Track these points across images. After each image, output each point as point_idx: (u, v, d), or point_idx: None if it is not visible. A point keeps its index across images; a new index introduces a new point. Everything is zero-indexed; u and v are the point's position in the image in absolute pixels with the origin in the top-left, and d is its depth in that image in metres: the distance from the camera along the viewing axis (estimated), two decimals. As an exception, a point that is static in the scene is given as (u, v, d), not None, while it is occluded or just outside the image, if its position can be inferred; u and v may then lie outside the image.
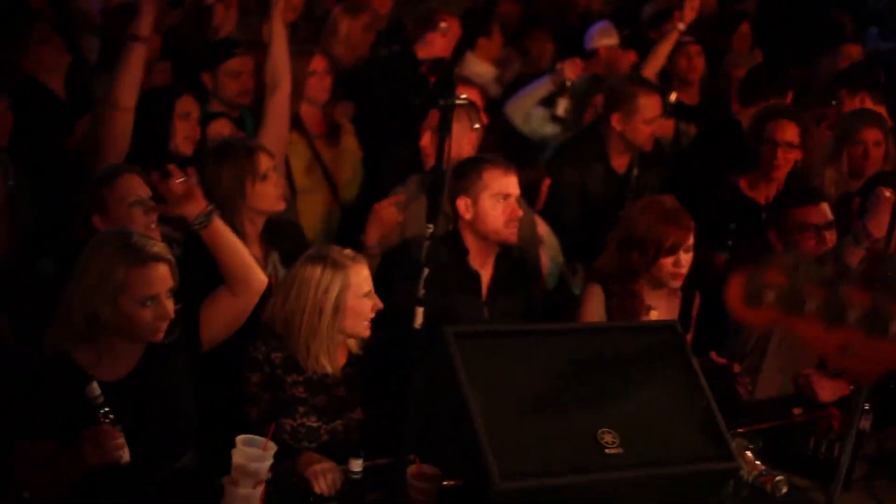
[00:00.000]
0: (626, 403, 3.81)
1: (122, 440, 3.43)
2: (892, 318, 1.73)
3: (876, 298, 1.72)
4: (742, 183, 6.18)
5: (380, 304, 4.17)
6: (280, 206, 4.91)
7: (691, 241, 4.77)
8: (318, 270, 4.10)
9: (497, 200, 4.73)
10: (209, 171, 4.76)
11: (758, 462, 4.11)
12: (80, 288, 3.61)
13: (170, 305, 3.67)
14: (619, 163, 6.44)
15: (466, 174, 4.74)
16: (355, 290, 4.10)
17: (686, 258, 4.76)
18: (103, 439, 3.41)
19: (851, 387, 4.69)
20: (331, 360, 4.17)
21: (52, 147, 5.54)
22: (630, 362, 3.93)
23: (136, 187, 4.36)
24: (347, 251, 4.21)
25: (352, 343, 4.26)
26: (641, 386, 3.88)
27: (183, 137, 5.32)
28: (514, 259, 4.98)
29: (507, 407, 3.69)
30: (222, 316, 4.04)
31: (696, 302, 4.95)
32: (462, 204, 4.70)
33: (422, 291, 3.39)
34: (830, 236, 5.07)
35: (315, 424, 4.13)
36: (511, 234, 4.80)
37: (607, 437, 3.71)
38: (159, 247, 3.68)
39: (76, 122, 5.69)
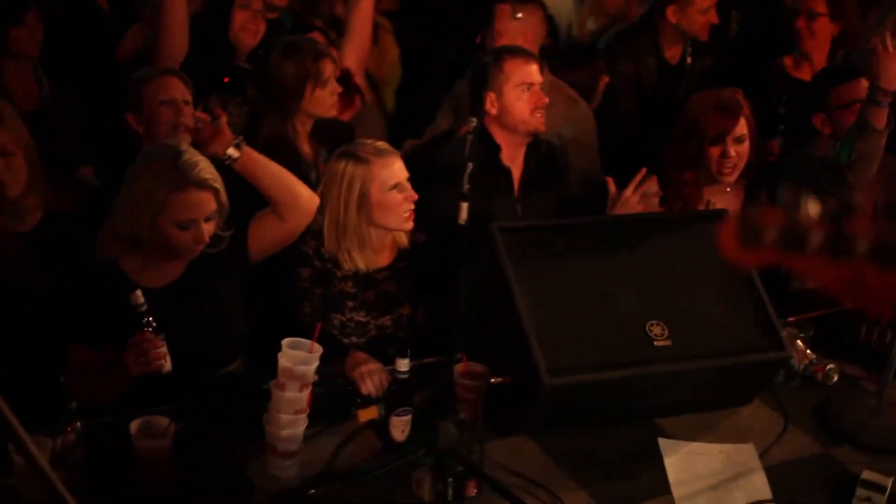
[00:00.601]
0: (675, 295, 3.76)
1: (163, 349, 3.43)
2: None
3: (884, 228, 1.61)
4: (787, 63, 6.07)
5: (414, 195, 4.13)
6: (332, 113, 4.98)
7: (741, 131, 4.70)
8: (342, 165, 4.08)
9: (521, 90, 4.70)
10: (273, 66, 4.85)
11: (809, 351, 4.07)
12: (126, 200, 3.60)
13: (207, 229, 3.65)
14: (672, 53, 6.35)
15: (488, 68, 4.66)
16: (380, 183, 4.06)
17: (736, 149, 4.69)
18: (145, 348, 3.41)
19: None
20: (365, 258, 4.14)
21: (98, 59, 5.50)
22: (679, 252, 3.87)
23: (171, 88, 4.41)
24: (378, 144, 4.17)
25: (401, 238, 4.24)
26: (690, 276, 3.82)
27: (241, 27, 5.31)
28: (544, 153, 4.94)
29: (554, 302, 3.65)
30: (270, 236, 4.00)
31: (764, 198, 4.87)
32: (487, 99, 4.62)
33: (466, 186, 3.33)
34: None
35: (364, 319, 4.14)
36: (539, 123, 4.75)
37: (656, 329, 3.66)
38: (206, 171, 3.63)
39: (123, 34, 5.65)
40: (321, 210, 4.09)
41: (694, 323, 3.72)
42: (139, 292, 3.47)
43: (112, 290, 3.59)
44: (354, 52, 5.71)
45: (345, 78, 5.49)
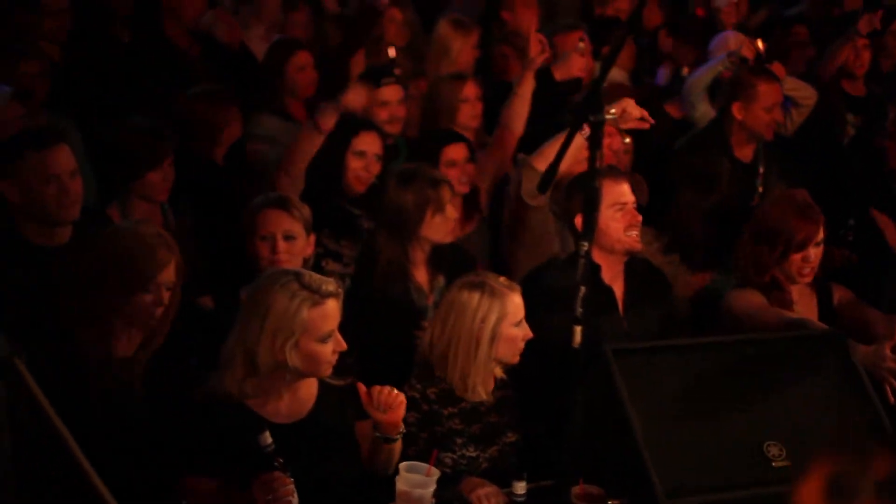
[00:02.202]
0: (791, 414, 3.74)
1: (292, 486, 3.44)
2: None
3: None
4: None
5: (530, 334, 4.16)
6: (450, 239, 4.98)
7: (821, 235, 4.72)
8: (475, 298, 4.11)
9: (615, 210, 4.69)
10: (392, 193, 4.89)
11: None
12: (263, 330, 3.60)
13: (341, 340, 3.70)
14: (744, 153, 6.34)
15: (579, 192, 4.69)
16: (511, 318, 4.10)
17: (815, 253, 4.71)
18: (275, 486, 3.43)
19: None
20: (486, 388, 4.18)
21: (210, 196, 5.66)
22: (791, 371, 3.85)
23: (271, 223, 4.49)
24: (503, 279, 4.22)
25: (498, 369, 4.26)
26: (805, 395, 3.80)
27: (355, 175, 5.37)
28: (643, 270, 4.94)
29: (668, 423, 3.66)
30: None
31: (837, 294, 4.87)
32: (580, 221, 4.63)
33: (579, 310, 3.35)
34: None
35: (474, 454, 4.14)
36: (634, 242, 4.75)
37: (773, 450, 3.64)
38: (331, 284, 3.69)
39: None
40: (443, 343, 4.14)
41: (811, 442, 3.68)
42: (268, 433, 3.48)
43: (238, 426, 3.59)
44: (491, 168, 5.82)
45: (472, 194, 5.58)
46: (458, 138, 5.68)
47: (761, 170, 6.22)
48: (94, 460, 2.03)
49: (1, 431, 2.04)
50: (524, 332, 4.14)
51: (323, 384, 3.80)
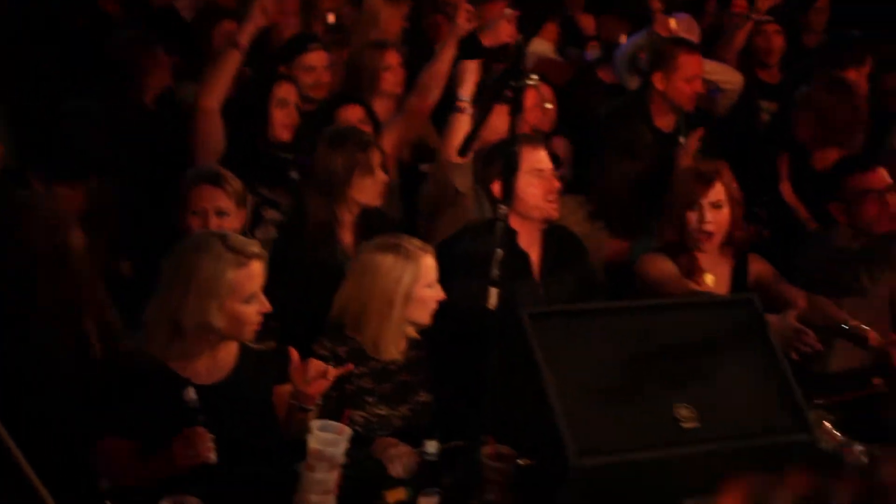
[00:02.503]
0: (702, 378, 3.78)
1: (212, 444, 3.46)
2: None
3: None
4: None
5: (442, 295, 4.21)
6: (378, 202, 5.01)
7: (717, 197, 4.81)
8: (389, 259, 4.13)
9: (533, 177, 4.74)
10: (321, 155, 4.92)
11: (837, 433, 4.07)
12: (189, 292, 3.60)
13: (265, 301, 3.70)
14: (664, 123, 6.42)
15: (497, 158, 4.72)
16: (424, 280, 4.14)
17: (713, 215, 4.79)
18: (197, 441, 3.45)
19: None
20: (397, 348, 4.21)
21: (138, 154, 5.63)
22: (705, 337, 3.90)
23: (204, 198, 4.50)
24: (417, 241, 4.24)
25: (410, 329, 4.29)
26: (717, 360, 3.85)
27: (280, 125, 5.42)
28: (560, 236, 5.01)
29: (582, 385, 3.67)
30: None
31: (754, 267, 4.93)
32: (498, 187, 4.66)
33: (496, 273, 3.37)
34: (893, 200, 5.02)
35: (385, 412, 4.17)
36: (552, 209, 4.81)
37: (683, 412, 3.68)
38: (255, 245, 3.71)
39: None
40: (357, 303, 4.15)
41: (721, 405, 3.74)
42: (192, 389, 3.50)
43: (160, 387, 3.61)
44: (392, 139, 5.84)
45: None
46: (352, 101, 5.75)
47: (681, 140, 6.28)
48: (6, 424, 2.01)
49: None
50: (437, 294, 4.18)
51: (243, 347, 3.82)
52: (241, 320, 3.66)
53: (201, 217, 4.47)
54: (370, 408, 4.15)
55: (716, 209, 4.79)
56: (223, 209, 4.49)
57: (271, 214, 5.24)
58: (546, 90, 6.23)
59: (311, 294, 4.60)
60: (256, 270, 3.67)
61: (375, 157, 4.99)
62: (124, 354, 3.78)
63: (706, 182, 4.80)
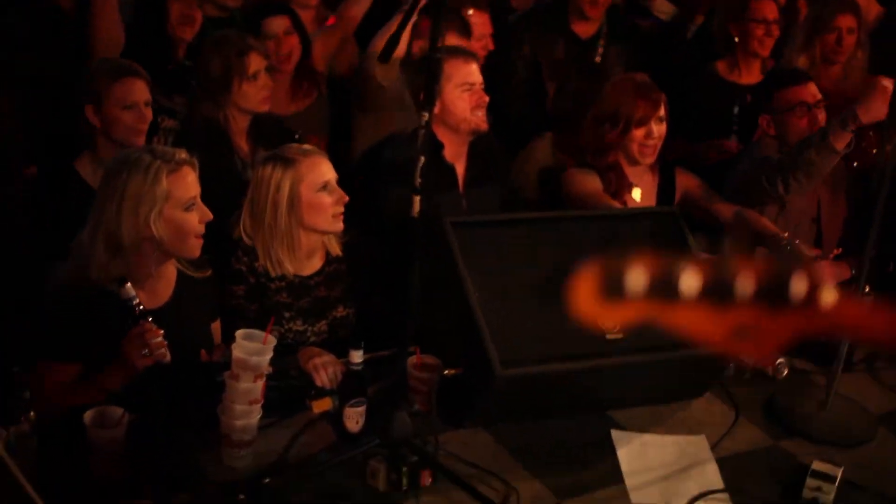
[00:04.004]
0: (626, 289, 3.78)
1: (162, 338, 3.42)
2: (791, 280, 1.44)
3: (768, 265, 1.44)
4: (720, 68, 6.15)
5: (345, 197, 4.11)
6: (263, 108, 5.01)
7: (662, 112, 4.84)
8: (268, 169, 4.06)
9: (462, 90, 4.74)
10: (203, 60, 4.93)
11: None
12: (122, 209, 3.52)
13: (206, 209, 3.65)
14: (582, 30, 6.38)
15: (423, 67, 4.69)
16: (309, 183, 4.04)
17: (658, 130, 4.81)
18: (147, 338, 3.41)
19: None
20: (294, 263, 4.13)
21: (47, 54, 5.47)
22: (627, 247, 3.89)
23: (136, 91, 4.45)
24: (304, 146, 4.20)
25: (331, 243, 4.24)
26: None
27: (178, 21, 5.33)
28: (484, 149, 5.00)
29: (505, 295, 3.67)
30: None
31: (682, 180, 4.96)
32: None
33: (419, 180, 3.33)
34: (821, 115, 5.05)
35: (301, 328, 4.14)
36: (480, 121, 4.81)
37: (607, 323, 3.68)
38: (183, 152, 3.64)
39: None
40: (251, 219, 4.09)
41: (645, 315, 3.75)
42: (129, 285, 3.45)
43: (101, 310, 3.54)
44: (326, 42, 5.82)
45: (307, 69, 5.53)
46: (279, 10, 5.65)
47: (600, 49, 6.25)
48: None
49: None
50: (334, 197, 4.08)
51: (182, 274, 3.79)
52: (183, 229, 3.60)
53: (135, 111, 4.42)
54: (287, 323, 4.11)
55: (660, 124, 4.81)
56: (149, 100, 4.47)
57: (168, 124, 5.17)
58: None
59: (211, 196, 4.56)
60: (190, 176, 3.61)
61: (252, 63, 4.95)
62: (62, 279, 3.67)
63: (655, 101, 4.81)
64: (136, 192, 3.52)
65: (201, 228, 3.64)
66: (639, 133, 4.78)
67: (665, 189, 4.99)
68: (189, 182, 3.60)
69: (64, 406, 3.44)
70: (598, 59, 6.30)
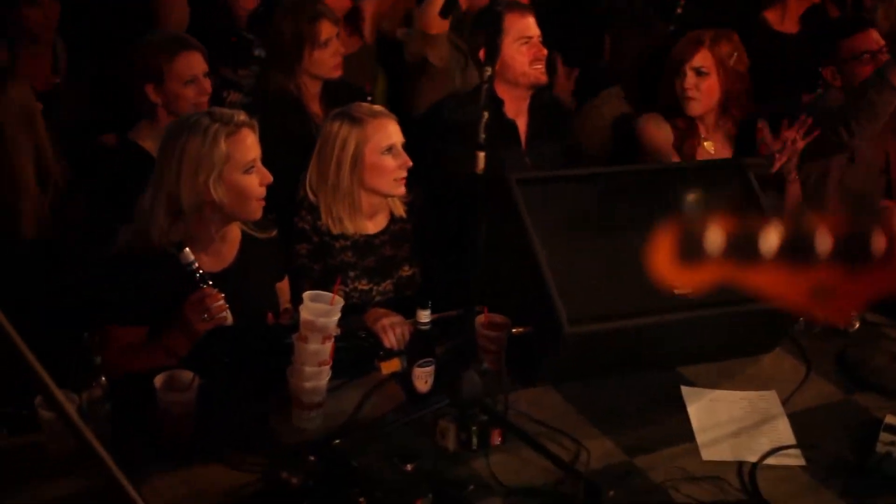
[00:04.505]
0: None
1: (223, 301, 3.43)
2: (871, 237, 1.35)
3: (847, 222, 1.36)
4: (771, 18, 6.05)
5: (408, 161, 4.09)
6: (335, 75, 4.98)
7: (701, 62, 4.82)
8: (335, 125, 4.06)
9: (520, 44, 4.70)
10: (275, 25, 4.93)
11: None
12: (181, 174, 3.52)
13: (265, 171, 3.64)
14: None
15: (482, 23, 4.66)
16: (374, 145, 4.03)
17: (695, 82, 4.80)
18: (207, 303, 3.43)
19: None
20: (355, 222, 4.12)
21: (107, 23, 5.49)
22: (696, 201, 3.86)
23: (196, 65, 4.44)
24: (372, 107, 4.17)
25: (395, 204, 4.23)
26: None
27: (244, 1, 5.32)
28: (547, 103, 4.96)
29: (573, 252, 3.65)
30: None
31: (763, 130, 4.91)
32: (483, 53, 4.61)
33: (482, 136, 3.30)
34: (885, 59, 4.97)
35: (366, 287, 4.13)
36: (540, 74, 4.76)
37: (675, 278, 3.65)
38: (242, 114, 3.63)
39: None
40: (317, 175, 4.08)
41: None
42: (188, 250, 3.46)
43: (164, 275, 3.55)
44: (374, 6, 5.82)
45: (353, 14, 5.52)
46: None
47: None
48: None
49: None
50: (399, 161, 4.07)
51: (246, 235, 3.78)
52: (243, 192, 3.59)
53: (196, 84, 4.43)
54: (352, 282, 4.11)
55: (700, 76, 4.76)
56: (207, 72, 4.48)
57: (234, 97, 5.16)
58: None
59: (288, 167, 4.54)
60: (249, 139, 3.60)
61: (323, 30, 4.92)
62: (124, 244, 3.69)
63: (694, 46, 4.75)
64: (194, 155, 3.51)
65: (262, 191, 3.63)
66: (678, 82, 4.77)
67: (743, 145, 4.93)
68: (248, 144, 3.59)
69: (132, 370, 3.47)
70: (679, 10, 6.22)
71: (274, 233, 3.85)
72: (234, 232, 3.77)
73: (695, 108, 4.82)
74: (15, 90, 3.81)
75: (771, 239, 1.33)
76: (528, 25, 4.73)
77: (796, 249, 1.34)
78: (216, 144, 3.51)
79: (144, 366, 3.47)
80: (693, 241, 1.34)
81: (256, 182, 3.60)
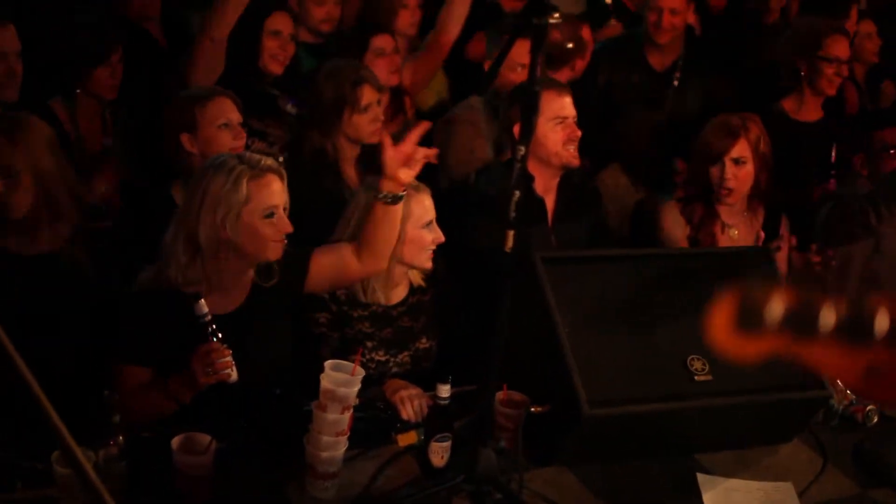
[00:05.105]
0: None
1: (230, 358, 3.43)
2: None
3: None
4: (787, 107, 6.07)
5: (441, 238, 4.10)
6: (373, 140, 4.91)
7: (740, 153, 4.81)
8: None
9: (555, 123, 4.68)
10: (315, 88, 4.92)
11: (849, 391, 4.04)
12: (202, 210, 3.57)
13: (286, 220, 3.65)
14: (657, 62, 6.33)
15: (519, 99, 4.66)
16: (416, 220, 4.03)
17: (734, 171, 4.80)
18: (213, 358, 3.42)
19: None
20: (386, 292, 4.12)
21: (156, 92, 5.53)
22: (717, 285, 3.84)
23: (228, 110, 4.46)
24: (414, 181, 4.17)
25: (414, 275, 4.22)
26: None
27: (270, 56, 5.35)
28: (576, 183, 4.94)
29: (594, 332, 3.64)
30: (335, 271, 3.93)
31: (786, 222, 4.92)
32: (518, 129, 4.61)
33: (512, 214, 3.30)
34: None
35: (383, 358, 4.11)
36: (572, 157, 4.75)
37: (697, 364, 3.65)
38: (270, 160, 3.66)
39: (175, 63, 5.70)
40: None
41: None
42: (203, 301, 3.47)
43: (178, 315, 3.55)
44: (419, 76, 5.84)
45: (398, 94, 5.55)
46: (385, 30, 5.68)
47: (675, 82, 6.22)
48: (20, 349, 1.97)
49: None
50: (433, 235, 4.08)
51: (255, 284, 3.80)
52: (259, 236, 3.61)
53: (231, 129, 4.45)
54: (368, 353, 4.08)
55: (738, 165, 4.77)
56: (241, 121, 4.50)
57: (259, 146, 5.17)
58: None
59: (317, 223, 4.55)
60: (274, 185, 3.63)
61: (364, 95, 4.92)
62: (143, 281, 3.72)
63: (732, 136, 4.76)
64: (216, 193, 3.56)
65: (279, 237, 3.65)
66: (714, 171, 4.77)
67: (769, 232, 4.93)
68: (271, 190, 3.61)
69: (139, 411, 3.46)
70: (675, 83, 6.24)
71: (275, 280, 3.82)
72: (248, 277, 3.79)
73: (733, 197, 4.84)
74: (35, 122, 3.85)
75: (830, 316, 1.37)
76: (564, 105, 4.72)
77: (854, 328, 1.38)
78: (238, 185, 3.55)
79: (151, 409, 3.50)
80: (753, 311, 1.38)
81: (274, 229, 3.62)
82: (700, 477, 3.65)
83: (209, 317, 3.47)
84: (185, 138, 4.42)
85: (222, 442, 3.26)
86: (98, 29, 5.11)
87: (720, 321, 1.41)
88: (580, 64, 6.06)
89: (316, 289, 3.95)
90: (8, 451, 3.21)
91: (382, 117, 5.05)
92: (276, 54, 5.41)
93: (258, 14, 5.38)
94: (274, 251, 3.67)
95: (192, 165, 4.37)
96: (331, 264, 3.90)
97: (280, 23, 5.46)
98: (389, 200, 3.76)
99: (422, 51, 5.96)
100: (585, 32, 6.07)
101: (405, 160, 3.71)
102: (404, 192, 3.79)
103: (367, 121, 4.95)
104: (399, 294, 4.19)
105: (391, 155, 3.69)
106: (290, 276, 3.84)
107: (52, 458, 3.04)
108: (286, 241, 3.70)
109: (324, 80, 4.97)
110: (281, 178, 3.66)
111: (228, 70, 5.24)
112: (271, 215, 3.61)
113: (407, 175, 3.73)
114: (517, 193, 3.32)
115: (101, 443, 3.09)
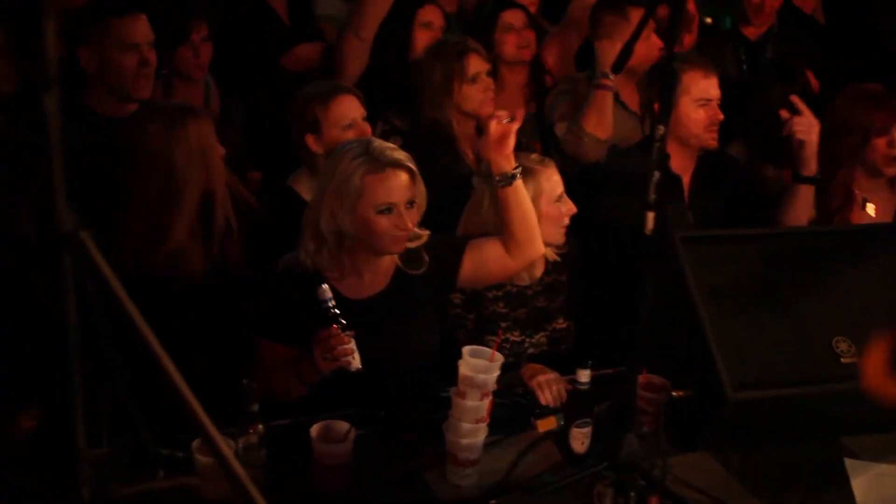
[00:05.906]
0: (862, 310, 3.63)
1: (351, 345, 3.41)
2: None
3: None
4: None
5: (573, 209, 4.06)
6: (486, 110, 4.86)
7: None
8: None
9: (698, 105, 4.58)
10: (424, 66, 4.86)
11: None
12: (325, 195, 3.59)
13: (410, 217, 3.62)
14: (750, 32, 6.27)
15: (659, 77, 4.57)
16: (548, 195, 4.00)
17: None
18: (332, 343, 3.40)
19: None
20: (527, 270, 4.07)
21: (269, 67, 5.53)
22: (865, 266, 3.74)
23: (351, 110, 4.41)
24: (535, 156, 4.11)
25: (548, 251, 4.16)
26: (877, 291, 3.69)
27: (423, 47, 5.32)
28: (713, 160, 4.83)
29: (737, 314, 3.55)
30: (486, 265, 3.90)
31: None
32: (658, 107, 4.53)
33: (653, 196, 3.22)
34: None
35: (518, 339, 4.07)
36: (712, 140, 4.65)
37: (842, 346, 3.54)
38: (399, 153, 3.63)
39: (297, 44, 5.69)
40: (482, 224, 4.03)
41: (881, 339, 3.59)
42: (326, 287, 3.47)
43: (305, 293, 3.56)
44: (564, 42, 5.87)
45: (537, 65, 5.50)
46: (515, 4, 5.66)
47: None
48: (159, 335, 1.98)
49: (68, 306, 1.98)
50: (566, 208, 4.03)
51: (399, 270, 3.79)
52: (373, 230, 3.60)
53: (354, 129, 4.40)
54: (503, 333, 4.04)
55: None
56: (364, 116, 4.47)
57: (396, 142, 5.16)
58: None
59: (440, 201, 4.53)
60: (392, 180, 3.59)
61: (472, 64, 4.90)
62: (280, 264, 3.77)
63: (890, 113, 4.62)
64: (337, 180, 3.57)
65: (397, 233, 3.63)
66: (881, 142, 4.58)
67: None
68: (388, 186, 3.59)
69: (269, 386, 3.45)
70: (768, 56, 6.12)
71: (422, 269, 3.79)
72: (387, 263, 3.78)
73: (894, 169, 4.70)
74: (194, 127, 3.79)
75: None
76: (710, 86, 4.63)
77: None
78: (351, 179, 3.56)
79: (277, 384, 3.52)
80: None
81: (389, 224, 3.60)
82: (848, 462, 3.55)
83: (332, 302, 3.46)
84: (309, 139, 4.40)
85: (361, 429, 3.24)
86: (172, 9, 5.09)
87: (876, 362, 1.36)
88: (688, 39, 5.96)
89: (471, 283, 3.94)
90: (150, 439, 3.22)
91: (493, 86, 5.02)
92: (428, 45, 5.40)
93: (410, 5, 5.41)
94: (393, 245, 3.66)
95: (317, 164, 4.35)
96: (486, 257, 3.88)
97: (432, 13, 5.49)
98: (507, 181, 3.73)
99: (562, 22, 5.91)
100: (690, 5, 5.97)
101: (503, 136, 3.71)
102: (518, 169, 3.74)
103: (478, 90, 4.95)
104: (534, 273, 4.13)
105: (495, 127, 3.69)
106: (442, 265, 3.82)
107: (192, 446, 3.06)
108: (409, 235, 3.68)
109: (432, 56, 4.99)
110: (408, 171, 3.63)
111: (373, 64, 5.24)
112: (387, 210, 3.58)
113: (507, 148, 3.72)
114: (657, 174, 3.24)
115: (241, 431, 3.09)
